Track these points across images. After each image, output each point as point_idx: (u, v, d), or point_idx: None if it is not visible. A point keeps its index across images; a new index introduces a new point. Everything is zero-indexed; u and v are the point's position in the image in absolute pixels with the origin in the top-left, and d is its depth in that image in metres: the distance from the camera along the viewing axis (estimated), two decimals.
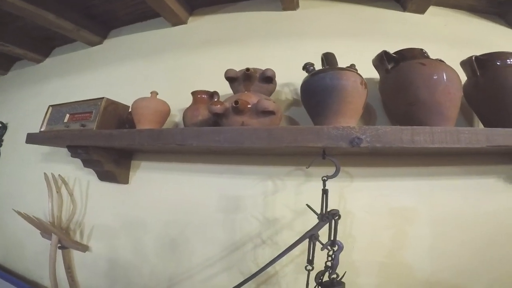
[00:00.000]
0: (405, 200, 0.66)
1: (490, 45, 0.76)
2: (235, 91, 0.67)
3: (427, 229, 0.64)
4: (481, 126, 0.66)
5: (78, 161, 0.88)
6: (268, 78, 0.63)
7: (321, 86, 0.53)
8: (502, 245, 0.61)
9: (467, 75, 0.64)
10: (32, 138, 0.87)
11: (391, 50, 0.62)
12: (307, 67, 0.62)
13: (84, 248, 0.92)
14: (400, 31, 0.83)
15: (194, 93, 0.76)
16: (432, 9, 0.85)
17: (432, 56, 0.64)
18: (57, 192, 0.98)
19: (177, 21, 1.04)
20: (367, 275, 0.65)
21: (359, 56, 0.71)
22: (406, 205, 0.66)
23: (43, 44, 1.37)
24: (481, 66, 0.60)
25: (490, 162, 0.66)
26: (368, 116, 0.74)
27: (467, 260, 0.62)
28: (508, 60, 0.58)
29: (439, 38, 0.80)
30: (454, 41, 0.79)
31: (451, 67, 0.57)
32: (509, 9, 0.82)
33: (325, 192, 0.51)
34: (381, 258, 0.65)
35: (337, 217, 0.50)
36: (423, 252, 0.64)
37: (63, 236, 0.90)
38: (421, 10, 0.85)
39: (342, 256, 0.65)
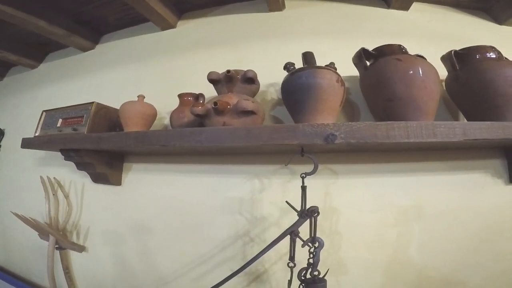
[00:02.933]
0: (392, 196, 0.67)
1: (474, 40, 0.75)
2: (219, 92, 0.69)
3: (416, 225, 0.64)
4: (465, 120, 0.67)
5: (72, 164, 0.90)
6: (249, 79, 0.64)
7: (298, 84, 0.54)
8: (494, 241, 0.61)
9: (447, 70, 0.65)
10: (27, 143, 0.89)
11: (375, 47, 0.63)
12: (287, 66, 0.63)
13: (81, 248, 0.94)
14: (384, 28, 0.84)
15: (180, 96, 0.78)
16: (416, 5, 0.85)
17: (416, 52, 0.64)
18: (54, 194, 1.00)
19: (166, 26, 1.06)
20: (355, 272, 0.66)
21: (343, 54, 0.72)
22: (393, 201, 0.66)
23: (37, 50, 1.38)
24: (460, 60, 0.61)
25: (477, 157, 0.66)
26: (351, 113, 0.75)
27: (459, 256, 0.62)
28: (487, 54, 0.59)
29: (423, 34, 0.81)
30: (438, 36, 0.80)
31: (428, 62, 0.58)
32: (493, 4, 0.82)
33: (304, 189, 0.53)
34: (369, 255, 0.65)
35: (316, 214, 0.51)
36: (412, 248, 0.64)
37: (60, 237, 0.91)
38: (405, 7, 0.85)
39: (329, 253, 0.66)
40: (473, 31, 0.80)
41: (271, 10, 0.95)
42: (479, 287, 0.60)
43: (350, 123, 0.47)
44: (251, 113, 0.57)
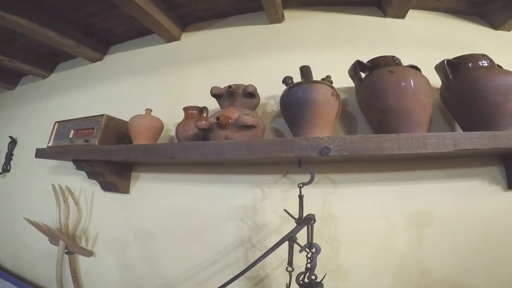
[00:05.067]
0: (390, 204, 0.68)
1: (471, 46, 0.78)
2: (221, 106, 0.72)
3: (414, 232, 0.65)
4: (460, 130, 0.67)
5: (82, 173, 0.95)
6: (250, 94, 0.68)
7: (295, 99, 0.57)
8: (494, 246, 0.62)
9: (441, 79, 0.66)
10: (41, 153, 0.94)
11: (373, 57, 0.65)
12: (285, 80, 0.66)
13: (89, 253, 0.98)
14: (381, 37, 0.85)
15: (185, 109, 0.82)
16: (412, 13, 0.87)
17: (414, 60, 0.66)
18: (64, 201, 1.05)
19: (170, 38, 1.10)
20: (354, 277, 0.67)
21: (342, 64, 0.73)
22: (391, 209, 0.68)
23: (48, 60, 1.44)
24: (453, 69, 0.62)
25: (475, 164, 0.66)
26: (349, 124, 0.77)
27: (460, 262, 0.62)
28: (479, 62, 0.60)
29: (420, 42, 0.82)
30: (434, 43, 0.81)
31: (420, 74, 0.60)
32: (488, 9, 0.83)
33: (301, 198, 0.55)
34: (368, 261, 0.67)
35: (312, 222, 0.54)
36: (411, 254, 0.64)
37: (69, 242, 0.96)
38: (401, 15, 0.87)
39: (328, 259, 0.68)
40: (469, 37, 0.82)
41: (271, 22, 0.98)
42: None
43: (343, 136, 0.50)
44: (251, 127, 0.60)
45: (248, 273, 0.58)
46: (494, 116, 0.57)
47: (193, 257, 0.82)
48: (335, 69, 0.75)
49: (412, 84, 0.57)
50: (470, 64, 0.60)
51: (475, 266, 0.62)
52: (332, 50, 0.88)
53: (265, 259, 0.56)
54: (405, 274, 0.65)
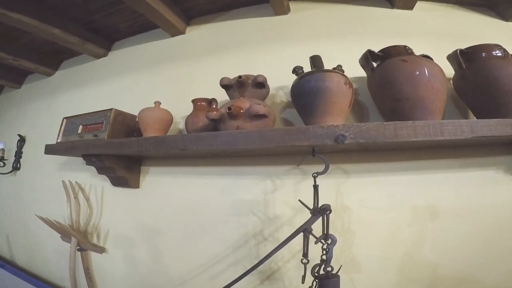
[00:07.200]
0: (404, 194, 0.67)
1: (480, 37, 0.76)
2: (231, 97, 0.72)
3: (429, 222, 0.65)
4: (474, 118, 0.66)
5: (92, 168, 0.95)
6: (260, 84, 0.67)
7: (308, 88, 0.57)
8: (508, 238, 0.60)
9: (454, 69, 0.66)
10: (50, 149, 0.94)
11: (381, 47, 0.64)
12: (296, 70, 0.66)
13: (101, 249, 0.99)
14: (390, 28, 0.84)
15: (194, 101, 0.82)
16: (420, 4, 0.86)
17: (423, 51, 0.66)
18: (75, 197, 1.05)
19: (175, 32, 1.10)
20: (368, 269, 0.67)
21: (350, 55, 0.73)
22: (405, 199, 0.67)
23: (52, 58, 1.44)
24: (466, 59, 0.62)
25: (489, 153, 0.65)
26: (360, 113, 0.76)
27: (473, 253, 0.62)
28: (493, 52, 0.60)
29: (429, 33, 0.82)
30: (444, 35, 0.80)
31: (433, 62, 0.60)
32: (498, 1, 0.82)
33: (316, 188, 0.55)
34: (382, 253, 0.66)
35: (328, 212, 0.53)
36: (426, 246, 0.64)
37: (81, 239, 0.96)
38: (409, 6, 0.86)
39: (342, 251, 0.68)
40: (479, 28, 0.81)
41: (276, 14, 0.98)
42: (494, 283, 0.60)
43: (359, 124, 0.50)
44: (263, 116, 0.60)
45: (260, 267, 0.58)
46: (509, 104, 0.57)
47: (204, 252, 0.82)
48: (343, 60, 0.74)
49: (426, 73, 0.57)
50: (483, 53, 0.60)
51: (487, 258, 0.61)
52: (339, 41, 0.87)
53: (277, 252, 0.56)
54: (418, 266, 0.64)
